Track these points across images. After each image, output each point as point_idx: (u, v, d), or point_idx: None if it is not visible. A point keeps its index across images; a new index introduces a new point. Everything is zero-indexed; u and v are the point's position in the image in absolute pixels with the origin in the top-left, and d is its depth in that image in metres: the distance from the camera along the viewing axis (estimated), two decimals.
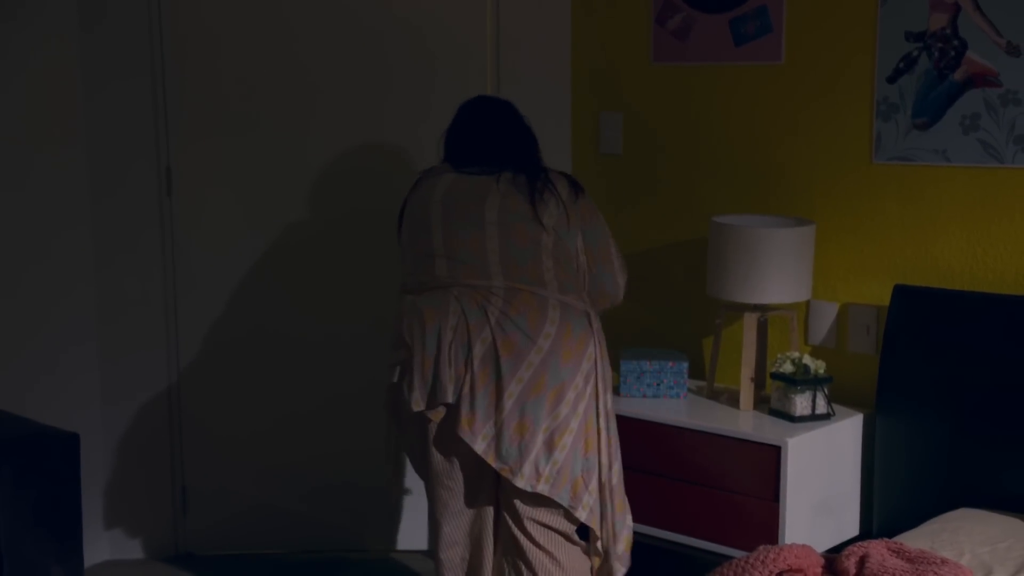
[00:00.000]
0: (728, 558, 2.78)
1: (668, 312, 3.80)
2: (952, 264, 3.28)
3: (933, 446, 3.18)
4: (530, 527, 2.97)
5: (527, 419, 2.86)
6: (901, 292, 3.25)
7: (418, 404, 2.90)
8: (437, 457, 2.99)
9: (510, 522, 2.99)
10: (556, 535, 3.00)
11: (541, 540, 2.98)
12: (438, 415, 2.93)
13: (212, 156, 3.95)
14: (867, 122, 3.37)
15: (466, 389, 2.87)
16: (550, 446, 2.88)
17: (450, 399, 2.88)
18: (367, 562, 4.06)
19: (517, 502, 2.95)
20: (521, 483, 2.87)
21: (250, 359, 4.03)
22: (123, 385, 4.05)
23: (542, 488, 2.89)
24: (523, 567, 3.00)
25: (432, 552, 3.15)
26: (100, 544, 4.07)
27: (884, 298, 3.36)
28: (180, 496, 4.14)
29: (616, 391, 3.49)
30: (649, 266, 3.83)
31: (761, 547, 2.57)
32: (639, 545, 3.49)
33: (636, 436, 3.33)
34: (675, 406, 3.39)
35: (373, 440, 3.89)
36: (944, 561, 2.49)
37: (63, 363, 3.96)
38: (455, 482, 3.01)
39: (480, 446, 2.87)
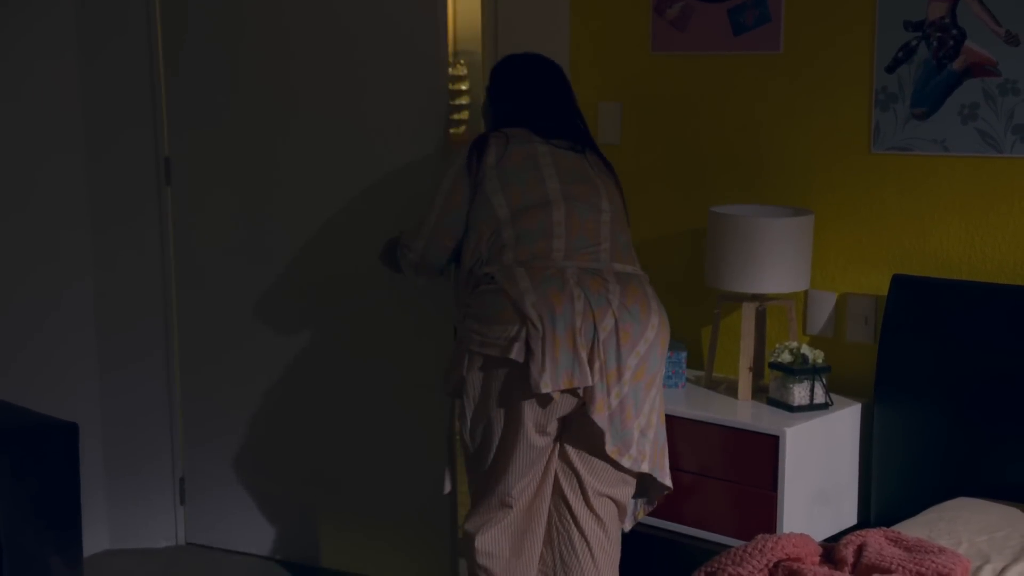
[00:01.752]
0: (726, 547, 2.79)
1: (666, 302, 3.78)
2: (950, 254, 3.28)
3: (931, 436, 3.18)
4: (594, 500, 3.04)
5: (629, 405, 2.94)
6: (899, 282, 3.25)
7: (547, 385, 2.85)
8: (531, 438, 2.95)
9: (575, 496, 3.04)
10: (612, 504, 3.08)
11: (599, 510, 3.06)
12: (559, 396, 2.90)
13: (211, 146, 3.95)
14: (866, 112, 3.36)
15: (596, 375, 2.89)
16: (646, 429, 3.00)
17: (590, 381, 2.87)
18: None
19: (587, 477, 3.02)
20: (628, 463, 2.97)
21: (249, 349, 4.03)
22: (122, 375, 4.06)
23: (645, 467, 3.00)
24: (575, 535, 3.06)
25: (470, 539, 3.10)
26: (99, 534, 4.07)
27: (882, 288, 3.36)
28: (179, 486, 4.14)
29: None
30: (647, 256, 3.82)
31: (759, 536, 2.58)
32: (638, 535, 3.50)
33: None
34: (673, 396, 3.40)
35: (373, 431, 3.89)
36: (942, 550, 2.50)
37: (62, 354, 3.96)
38: (526, 467, 2.98)
39: (609, 430, 2.92)
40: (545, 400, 2.89)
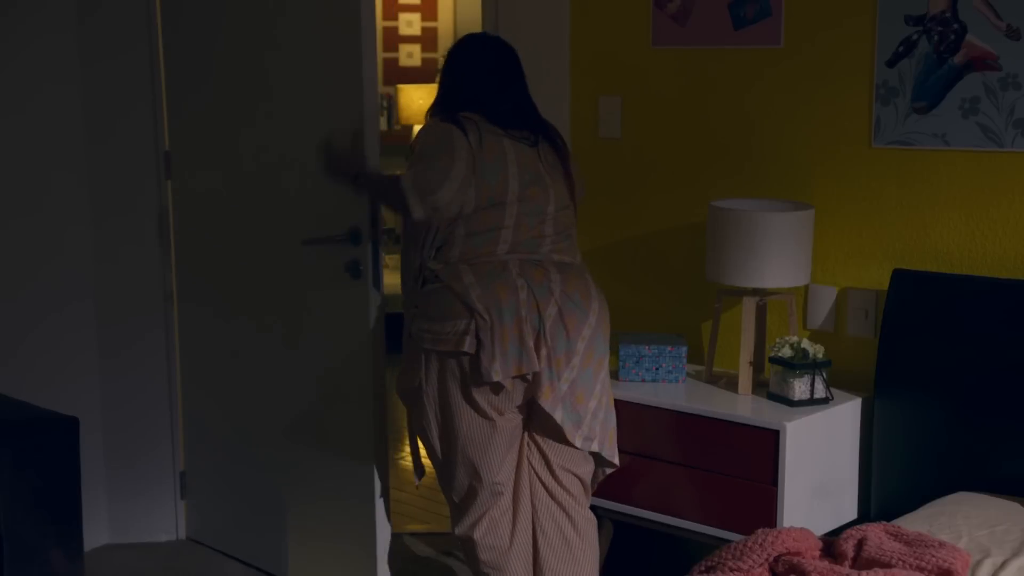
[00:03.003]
0: (726, 542, 2.79)
1: (667, 296, 3.80)
2: (951, 248, 3.28)
3: (931, 430, 3.18)
4: (560, 475, 3.16)
5: (581, 390, 3.09)
6: (900, 276, 3.25)
7: (498, 373, 2.99)
8: (499, 422, 3.08)
9: (545, 473, 3.16)
10: (578, 480, 3.20)
11: (568, 486, 3.18)
12: (512, 384, 3.04)
13: (211, 141, 3.94)
14: (866, 106, 3.36)
15: (543, 361, 3.02)
16: (597, 410, 3.14)
17: (537, 367, 3.02)
18: None
19: (550, 455, 3.15)
20: (580, 443, 3.11)
21: (249, 343, 4.03)
22: (122, 369, 4.06)
23: (595, 447, 3.14)
24: (555, 509, 3.17)
25: (460, 523, 3.17)
26: (99, 528, 4.08)
27: (883, 282, 3.36)
28: (179, 481, 4.14)
29: (615, 376, 3.49)
30: (648, 250, 3.83)
31: (759, 531, 2.58)
32: (638, 529, 3.50)
33: (635, 420, 3.34)
34: (674, 390, 3.40)
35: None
36: (942, 544, 2.50)
37: (62, 347, 3.96)
38: (503, 450, 3.10)
39: (559, 414, 3.06)
40: (498, 388, 3.04)
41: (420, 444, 3.30)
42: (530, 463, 3.16)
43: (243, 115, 3.82)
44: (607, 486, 3.39)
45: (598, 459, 3.23)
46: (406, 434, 3.60)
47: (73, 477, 3.25)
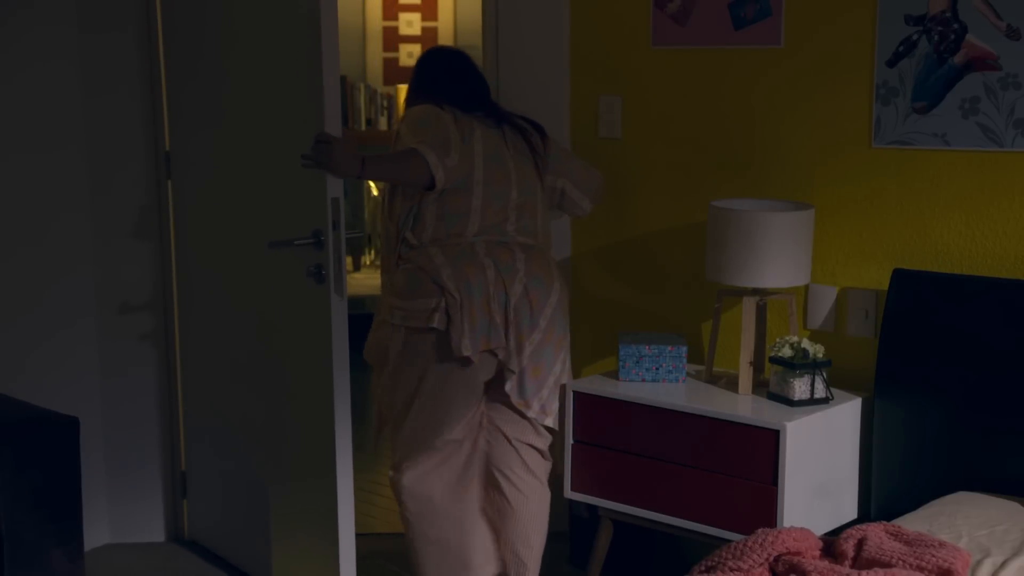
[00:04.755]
0: (726, 541, 2.79)
1: (667, 296, 3.80)
2: (951, 248, 3.28)
3: (931, 430, 3.18)
4: (517, 445, 3.38)
5: (541, 363, 3.30)
6: (900, 276, 3.25)
7: (467, 348, 3.21)
8: (463, 391, 3.30)
9: (502, 441, 3.37)
10: (533, 450, 3.42)
11: (523, 454, 3.41)
12: (480, 358, 3.25)
13: (201, 142, 3.93)
14: (866, 106, 3.36)
15: (510, 336, 3.26)
16: (555, 387, 3.36)
17: (504, 342, 3.24)
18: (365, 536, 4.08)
19: (505, 425, 3.36)
20: (533, 415, 3.33)
21: (236, 346, 4.02)
22: (123, 369, 4.06)
23: (547, 421, 3.36)
24: (509, 475, 3.39)
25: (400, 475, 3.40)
26: (99, 528, 4.08)
27: (883, 282, 3.36)
28: (179, 481, 4.14)
29: (615, 375, 3.50)
30: (648, 250, 3.83)
31: (759, 530, 2.58)
32: (638, 529, 3.50)
33: (635, 420, 3.34)
34: (674, 390, 3.40)
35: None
36: (942, 544, 2.50)
37: (63, 347, 3.96)
38: (462, 411, 3.32)
39: (514, 384, 3.29)
40: (467, 362, 3.25)
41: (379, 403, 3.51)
42: (487, 429, 3.37)
43: (224, 116, 3.80)
44: (607, 486, 3.40)
45: (551, 431, 3.43)
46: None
47: (73, 477, 3.25)
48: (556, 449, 3.52)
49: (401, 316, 3.28)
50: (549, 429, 3.44)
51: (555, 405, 3.38)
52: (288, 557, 3.64)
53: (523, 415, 3.35)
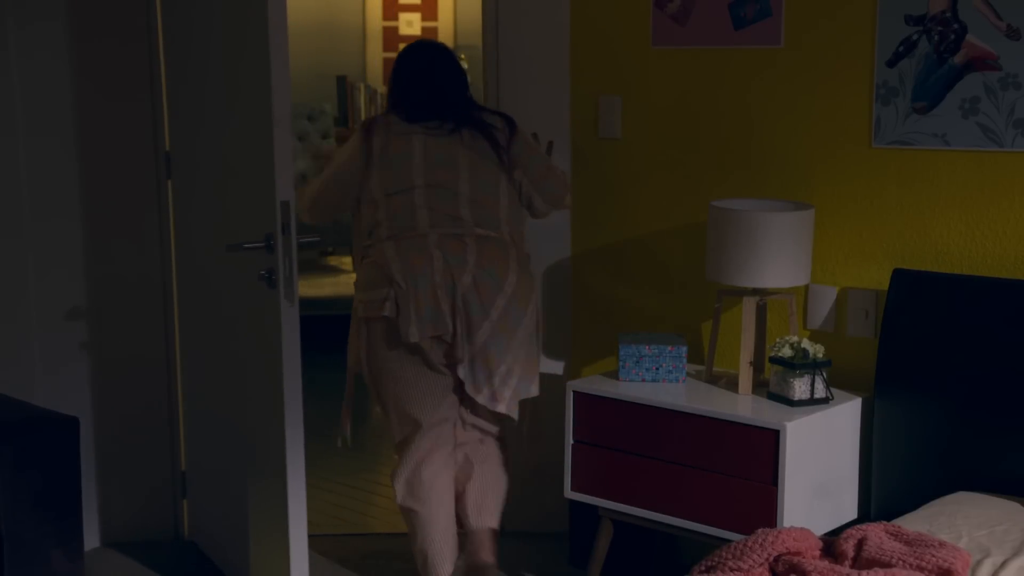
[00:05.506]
0: (726, 541, 2.79)
1: (667, 296, 3.80)
2: (951, 248, 3.28)
3: (931, 430, 3.18)
4: (468, 428, 3.58)
5: (492, 351, 3.39)
6: (900, 276, 3.25)
7: (414, 335, 3.33)
8: (424, 376, 3.44)
9: (460, 424, 3.57)
10: (490, 437, 3.62)
11: (476, 436, 3.60)
12: (429, 344, 3.37)
13: (196, 143, 3.92)
14: (866, 106, 3.36)
15: (459, 324, 3.36)
16: (507, 376, 3.44)
17: (450, 329, 3.35)
18: (367, 536, 4.08)
19: (465, 412, 3.56)
20: (483, 400, 3.44)
21: (228, 342, 4.01)
22: (122, 369, 4.05)
23: (498, 407, 3.46)
24: (469, 454, 3.61)
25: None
26: (99, 528, 4.08)
27: (883, 282, 3.36)
28: (179, 481, 4.14)
29: (615, 375, 3.50)
30: (648, 250, 3.83)
31: (759, 530, 2.58)
32: (638, 529, 3.50)
33: (635, 420, 3.34)
34: (674, 390, 3.40)
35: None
36: (942, 544, 2.50)
37: (63, 347, 3.96)
38: (434, 399, 3.47)
39: (464, 372, 3.40)
40: (415, 348, 3.38)
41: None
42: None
43: (204, 118, 3.78)
44: (607, 486, 3.39)
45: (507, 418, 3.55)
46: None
47: (73, 477, 3.25)
48: (553, 446, 3.56)
49: (363, 308, 3.43)
50: (532, 420, 3.61)
51: (507, 393, 3.45)
52: (261, 557, 3.63)
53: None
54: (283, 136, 3.12)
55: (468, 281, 3.36)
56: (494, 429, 3.60)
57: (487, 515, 3.62)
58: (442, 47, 3.66)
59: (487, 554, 3.60)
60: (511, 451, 3.69)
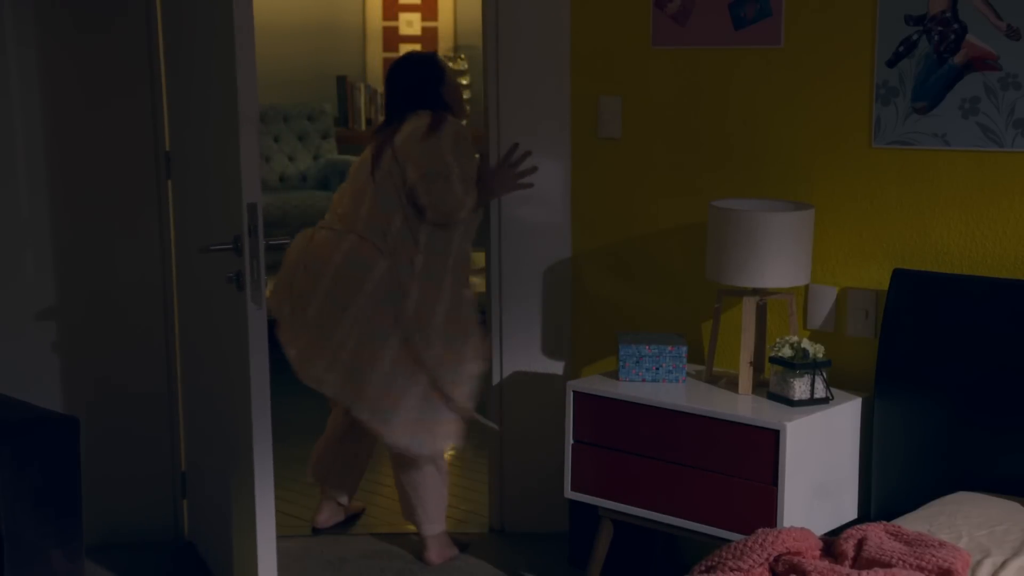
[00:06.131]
0: (726, 541, 2.79)
1: (667, 296, 3.80)
2: (951, 248, 3.28)
3: (931, 430, 3.18)
4: None
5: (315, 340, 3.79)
6: (900, 276, 3.25)
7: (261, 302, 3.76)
8: None
9: None
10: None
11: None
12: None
13: (186, 143, 3.91)
14: (867, 106, 3.36)
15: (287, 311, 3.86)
16: (332, 363, 3.78)
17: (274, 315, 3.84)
18: (367, 536, 4.08)
19: None
20: (312, 385, 3.85)
21: (216, 343, 4.00)
22: (122, 368, 4.05)
23: (326, 390, 3.87)
24: None
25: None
26: (99, 528, 4.07)
27: (883, 282, 3.36)
28: (179, 481, 4.14)
29: (615, 375, 3.49)
30: (648, 250, 3.83)
31: (759, 530, 2.58)
32: (638, 529, 3.50)
33: (635, 420, 3.34)
34: (674, 390, 3.40)
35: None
36: (942, 544, 2.50)
37: (63, 347, 3.96)
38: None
39: (291, 353, 3.89)
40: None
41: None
42: None
43: (190, 118, 3.78)
44: (607, 486, 3.39)
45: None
46: None
47: (73, 477, 3.25)
48: (553, 446, 3.57)
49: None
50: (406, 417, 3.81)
51: (339, 380, 3.76)
52: (242, 557, 3.63)
53: None
54: (250, 137, 3.06)
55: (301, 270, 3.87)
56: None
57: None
58: (404, 59, 3.98)
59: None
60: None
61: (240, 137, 3.04)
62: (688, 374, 3.53)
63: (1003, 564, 2.52)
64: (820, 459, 3.22)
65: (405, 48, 7.88)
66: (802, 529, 2.60)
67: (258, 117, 3.09)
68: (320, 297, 3.75)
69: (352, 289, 3.71)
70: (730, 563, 2.49)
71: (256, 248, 3.08)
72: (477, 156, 3.84)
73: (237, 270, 3.15)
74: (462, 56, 7.34)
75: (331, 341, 3.73)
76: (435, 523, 3.90)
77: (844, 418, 3.29)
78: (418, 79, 3.82)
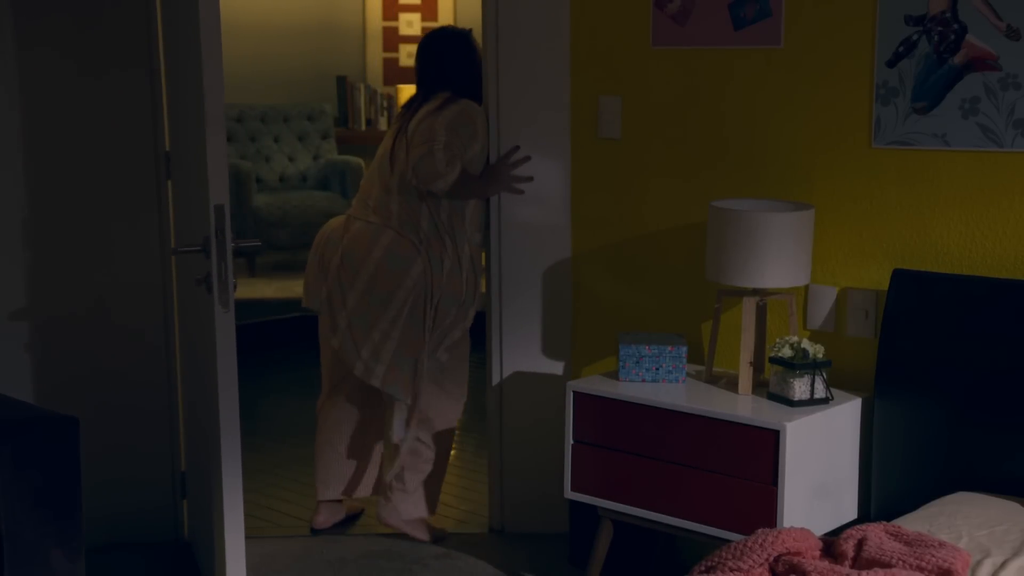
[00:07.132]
0: (726, 541, 2.79)
1: (667, 296, 3.80)
2: (951, 248, 3.28)
3: (931, 430, 3.18)
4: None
5: (357, 329, 3.84)
6: (900, 276, 3.25)
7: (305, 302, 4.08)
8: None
9: None
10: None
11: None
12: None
13: (181, 142, 3.91)
14: (866, 106, 3.36)
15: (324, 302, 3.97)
16: (377, 351, 3.85)
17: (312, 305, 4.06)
18: (367, 536, 4.08)
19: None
20: (359, 373, 3.91)
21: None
22: (122, 369, 4.05)
23: (374, 382, 3.92)
24: None
25: None
26: (99, 528, 4.07)
27: (883, 282, 3.36)
28: (179, 481, 4.14)
29: (615, 375, 3.49)
30: (648, 250, 3.83)
31: (759, 531, 2.58)
32: (638, 529, 3.50)
33: (635, 420, 3.34)
34: (674, 390, 3.40)
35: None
36: (942, 544, 2.50)
37: (62, 347, 3.96)
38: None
39: (342, 343, 3.94)
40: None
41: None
42: None
43: (181, 117, 3.78)
44: (607, 486, 3.39)
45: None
46: None
47: (73, 477, 3.24)
48: (553, 446, 3.58)
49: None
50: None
51: (382, 369, 3.86)
52: (222, 554, 3.62)
53: None
54: (216, 137, 3.03)
55: (336, 263, 3.90)
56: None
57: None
58: (429, 37, 4.08)
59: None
60: None
61: (206, 138, 3.01)
62: (688, 374, 3.53)
63: (1003, 564, 2.52)
64: (820, 459, 3.22)
65: (405, 48, 7.89)
66: (802, 529, 2.60)
67: (223, 117, 3.04)
68: (359, 291, 3.83)
69: (392, 284, 3.80)
70: (730, 563, 2.49)
71: (224, 250, 3.04)
72: (480, 146, 3.85)
73: (207, 272, 3.12)
74: None
75: (372, 333, 3.83)
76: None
77: (844, 418, 3.29)
78: (442, 55, 3.93)
